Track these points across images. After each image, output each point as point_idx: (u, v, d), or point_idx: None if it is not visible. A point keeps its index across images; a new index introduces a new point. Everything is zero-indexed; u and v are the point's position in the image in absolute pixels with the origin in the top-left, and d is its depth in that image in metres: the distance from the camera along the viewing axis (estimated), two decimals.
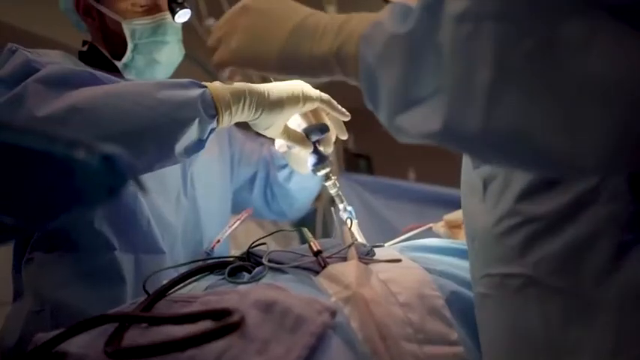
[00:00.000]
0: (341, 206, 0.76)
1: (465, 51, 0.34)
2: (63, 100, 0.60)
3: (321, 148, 0.77)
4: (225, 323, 0.43)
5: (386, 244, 0.79)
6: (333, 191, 0.77)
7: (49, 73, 0.63)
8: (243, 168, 1.05)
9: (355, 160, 2.23)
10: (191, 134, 0.65)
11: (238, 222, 0.80)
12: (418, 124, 0.38)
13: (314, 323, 0.44)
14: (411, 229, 0.88)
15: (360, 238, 0.79)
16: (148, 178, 0.79)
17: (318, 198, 1.65)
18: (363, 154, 2.27)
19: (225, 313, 0.45)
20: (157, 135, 0.63)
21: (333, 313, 0.47)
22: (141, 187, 0.29)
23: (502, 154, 0.36)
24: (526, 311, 0.40)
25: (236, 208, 1.00)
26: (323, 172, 0.77)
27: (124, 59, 0.86)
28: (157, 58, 0.87)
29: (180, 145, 0.64)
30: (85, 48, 0.90)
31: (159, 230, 0.80)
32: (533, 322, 0.39)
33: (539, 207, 0.39)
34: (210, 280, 0.63)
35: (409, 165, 2.23)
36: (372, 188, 1.70)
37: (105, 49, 0.88)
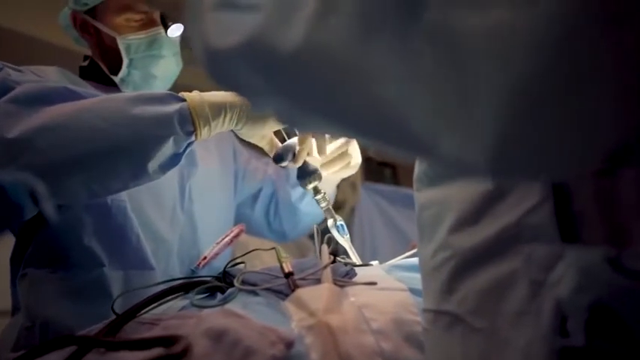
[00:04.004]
0: (330, 222, 0.73)
1: None
2: (34, 120, 0.60)
3: (308, 162, 0.74)
4: (169, 352, 0.41)
5: (389, 262, 0.75)
6: (322, 205, 0.74)
7: (22, 92, 0.63)
8: (247, 184, 1.04)
9: (380, 169, 2.17)
10: (166, 151, 0.63)
11: (227, 239, 0.78)
12: (222, 30, 0.32)
13: (263, 356, 0.41)
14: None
15: (353, 255, 0.75)
16: (142, 192, 0.79)
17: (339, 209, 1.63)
18: (388, 163, 2.21)
19: (172, 340, 0.43)
20: (128, 154, 0.61)
21: (289, 344, 0.44)
22: (47, 216, 0.27)
23: (314, 88, 0.28)
24: (451, 352, 0.36)
25: (236, 225, 0.98)
26: (311, 185, 0.74)
27: (120, 74, 0.86)
28: (154, 72, 0.87)
29: (154, 163, 0.63)
30: (86, 63, 0.92)
31: (152, 246, 0.79)
32: None
33: (467, 239, 0.35)
34: (189, 299, 0.61)
35: None
36: (391, 198, 1.66)
37: (103, 64, 0.89)
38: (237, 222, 0.99)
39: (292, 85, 0.30)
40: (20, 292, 0.76)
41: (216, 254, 0.82)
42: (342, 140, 0.76)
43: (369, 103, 0.27)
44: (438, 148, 0.26)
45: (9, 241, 0.79)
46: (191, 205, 0.88)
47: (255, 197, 1.04)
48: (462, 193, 0.38)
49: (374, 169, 2.09)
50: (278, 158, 0.72)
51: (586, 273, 0.30)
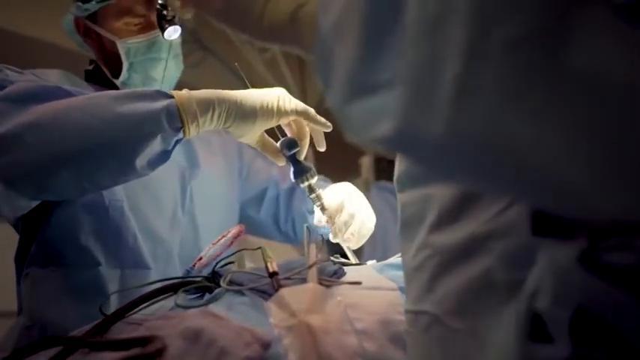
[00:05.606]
0: (324, 219, 0.72)
1: (433, 34, 0.27)
2: (25, 117, 0.61)
3: (302, 160, 0.73)
4: (143, 352, 0.41)
5: (383, 262, 0.73)
6: (316, 204, 0.74)
7: (14, 89, 0.65)
8: (250, 184, 1.03)
9: (391, 168, 2.13)
10: (154, 147, 0.63)
11: (224, 239, 0.77)
12: (367, 120, 0.31)
13: (237, 356, 0.41)
14: None
15: (350, 253, 0.74)
16: (140, 192, 0.80)
17: None
18: None
19: (147, 341, 0.43)
20: (117, 150, 0.62)
21: (266, 345, 0.43)
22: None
23: (468, 170, 0.28)
24: (430, 353, 0.35)
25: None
26: (306, 184, 0.73)
27: (121, 78, 0.87)
28: (154, 76, 0.88)
29: (141, 159, 0.63)
30: (91, 67, 0.93)
31: (151, 246, 0.80)
32: None
33: (446, 238, 0.35)
34: (181, 299, 0.61)
35: None
36: None
37: (105, 68, 0.90)
38: (241, 223, 0.98)
39: (440, 166, 0.31)
40: (23, 291, 0.77)
41: (217, 255, 0.81)
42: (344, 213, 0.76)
43: (523, 173, 0.25)
44: (605, 208, 0.24)
45: (13, 241, 0.81)
46: (192, 207, 0.88)
47: (259, 198, 1.03)
48: (442, 192, 0.37)
49: (385, 168, 2.07)
50: (293, 143, 0.71)
51: (562, 281, 0.28)
